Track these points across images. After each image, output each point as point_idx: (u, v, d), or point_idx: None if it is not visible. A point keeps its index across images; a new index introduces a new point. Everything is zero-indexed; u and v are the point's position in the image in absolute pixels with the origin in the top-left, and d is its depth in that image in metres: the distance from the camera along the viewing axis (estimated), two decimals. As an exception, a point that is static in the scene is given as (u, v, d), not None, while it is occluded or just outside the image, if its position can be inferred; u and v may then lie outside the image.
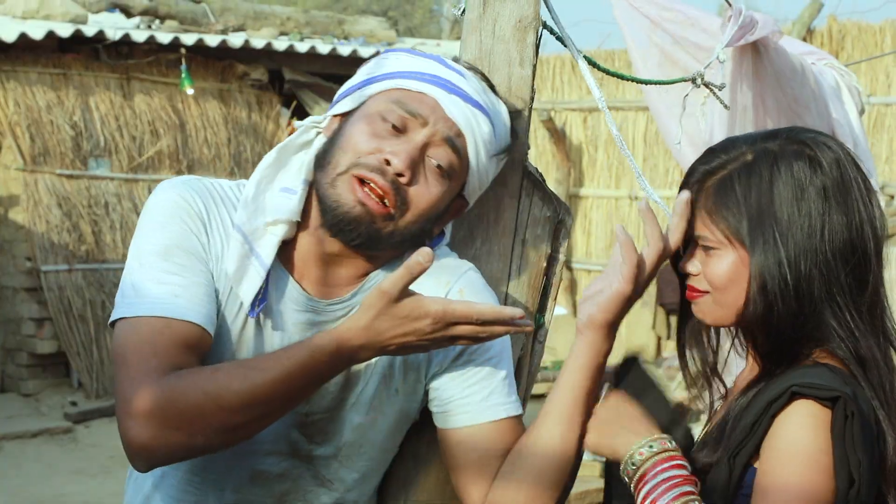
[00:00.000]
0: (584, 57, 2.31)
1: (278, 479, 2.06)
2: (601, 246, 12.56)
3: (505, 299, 2.16)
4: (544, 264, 2.17)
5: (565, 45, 2.25)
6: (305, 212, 2.01)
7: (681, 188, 1.99)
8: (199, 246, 1.95)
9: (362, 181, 1.93)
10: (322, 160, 2.00)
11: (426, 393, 2.07)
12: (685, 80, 2.79)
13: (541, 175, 2.18)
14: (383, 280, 1.79)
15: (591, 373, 1.93)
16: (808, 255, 1.86)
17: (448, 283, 2.03)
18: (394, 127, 1.95)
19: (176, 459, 1.92)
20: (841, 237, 1.87)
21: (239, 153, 12.06)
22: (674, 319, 11.34)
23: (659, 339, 11.63)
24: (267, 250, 1.97)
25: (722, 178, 1.92)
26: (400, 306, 1.78)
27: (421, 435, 2.16)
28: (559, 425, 1.95)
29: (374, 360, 1.98)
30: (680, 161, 3.59)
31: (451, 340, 1.83)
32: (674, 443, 1.87)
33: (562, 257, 2.19)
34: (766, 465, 1.82)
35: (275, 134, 12.30)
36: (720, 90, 2.80)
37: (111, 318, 1.93)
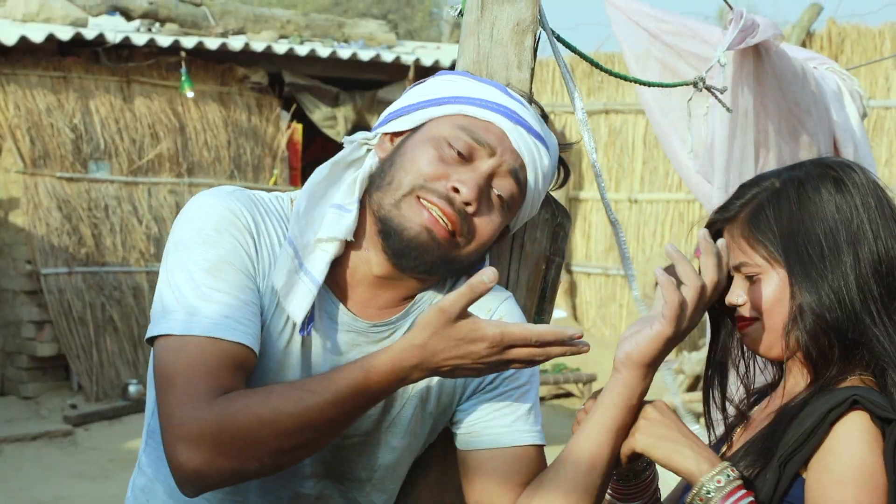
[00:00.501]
0: (589, 59, 2.32)
1: (316, 501, 2.04)
2: (601, 249, 12.57)
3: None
4: (543, 267, 2.17)
5: (570, 48, 2.25)
6: (357, 231, 1.97)
7: (709, 224, 2.06)
8: (249, 262, 1.90)
9: (427, 204, 1.91)
10: (380, 179, 1.97)
11: (452, 414, 2.06)
12: (687, 84, 2.79)
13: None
14: (443, 299, 1.76)
15: (624, 412, 1.92)
16: (841, 268, 1.92)
17: (490, 309, 2.01)
18: (460, 154, 1.93)
19: (227, 485, 1.88)
20: (870, 249, 1.93)
21: (239, 156, 12.07)
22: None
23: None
24: (319, 267, 1.93)
25: (754, 206, 2.00)
26: (457, 327, 1.74)
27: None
28: (587, 463, 1.92)
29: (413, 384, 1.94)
30: (676, 166, 3.60)
31: (506, 364, 1.78)
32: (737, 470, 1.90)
33: (560, 260, 2.19)
34: (821, 479, 1.83)
35: (275, 137, 12.30)
36: (722, 93, 2.80)
37: (152, 333, 1.86)
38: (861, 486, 1.80)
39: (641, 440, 1.93)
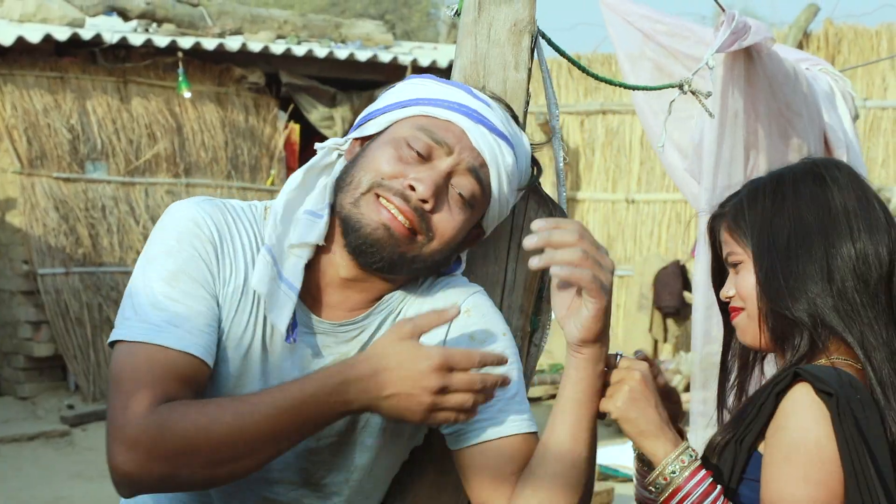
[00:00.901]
0: (575, 62, 2.32)
1: None
2: (598, 249, 12.56)
3: (501, 302, 2.17)
4: (540, 268, 2.18)
5: (557, 49, 2.26)
6: (327, 235, 2.00)
7: (711, 220, 2.19)
8: (207, 272, 1.93)
9: (385, 202, 1.93)
10: (342, 181, 2.00)
11: None
12: (672, 87, 2.80)
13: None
14: (405, 319, 1.83)
15: (590, 395, 1.95)
16: (811, 260, 1.99)
17: (457, 302, 2.01)
18: (419, 154, 1.95)
19: (159, 490, 1.91)
20: (846, 246, 2.00)
21: (236, 156, 12.07)
22: (671, 322, 11.36)
23: (655, 342, 11.63)
24: (295, 274, 1.96)
25: (737, 200, 2.11)
26: (403, 344, 1.78)
27: (417, 438, 2.16)
28: (569, 460, 1.94)
29: None
30: (667, 167, 3.60)
31: (441, 395, 1.79)
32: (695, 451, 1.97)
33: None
34: (772, 455, 1.89)
35: (272, 137, 12.30)
36: (706, 98, 2.80)
37: (110, 339, 1.91)
38: (809, 459, 1.85)
39: (616, 410, 1.96)
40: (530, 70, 2.15)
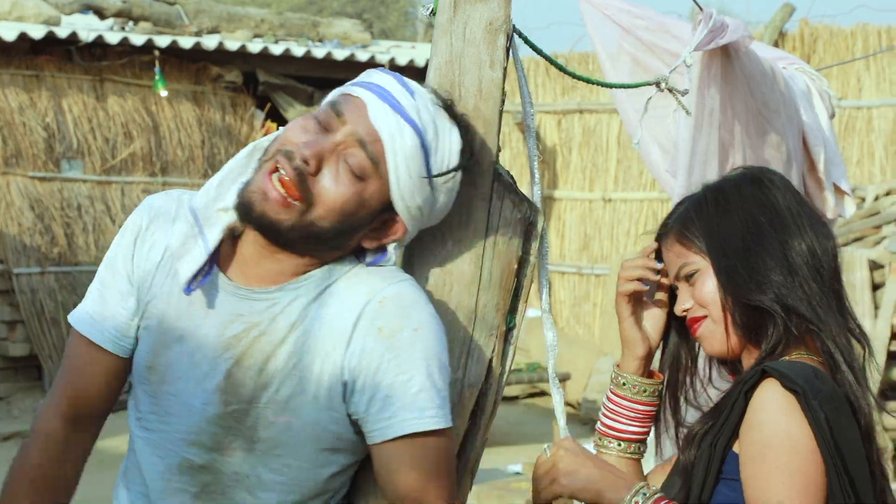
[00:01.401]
0: (551, 60, 2.33)
1: (201, 470, 2.06)
2: (574, 248, 12.59)
3: (476, 301, 2.16)
4: (515, 266, 2.17)
5: (534, 48, 2.26)
6: None
7: (656, 238, 2.20)
8: (122, 261, 2.13)
9: (275, 171, 1.98)
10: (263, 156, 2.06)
11: (352, 413, 2.03)
12: (649, 84, 2.81)
13: (512, 177, 2.19)
14: None
15: None
16: (767, 255, 2.03)
17: (374, 291, 2.01)
18: (320, 124, 1.99)
19: None
20: (799, 241, 2.05)
21: (213, 155, 12.04)
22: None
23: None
24: (214, 234, 2.02)
25: (682, 213, 2.15)
26: None
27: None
28: None
29: (290, 362, 1.99)
30: (648, 164, 3.61)
31: None
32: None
33: (533, 259, 2.20)
34: (748, 453, 1.92)
35: (249, 136, 12.28)
36: (683, 95, 2.82)
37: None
38: (783, 452, 1.88)
39: (565, 488, 2.07)
40: (506, 69, 2.15)
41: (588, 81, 2.53)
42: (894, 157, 11.00)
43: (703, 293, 2.08)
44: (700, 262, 2.08)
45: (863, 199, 9.61)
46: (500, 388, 2.24)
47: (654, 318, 2.23)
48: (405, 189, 2.00)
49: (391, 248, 2.07)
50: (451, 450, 2.05)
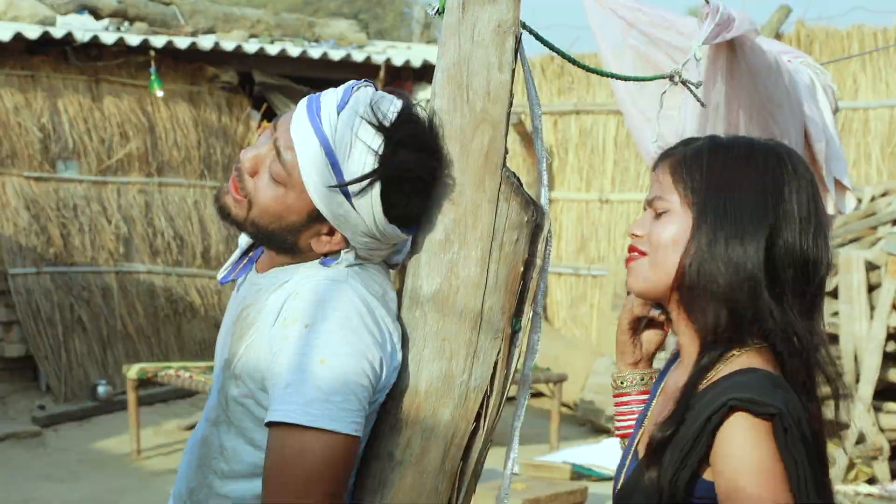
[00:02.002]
0: (565, 55, 2.32)
1: (202, 442, 2.20)
2: (571, 249, 12.59)
3: (482, 304, 2.16)
4: (521, 269, 2.17)
5: (547, 45, 2.25)
6: None
7: (655, 166, 2.06)
8: None
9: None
10: None
11: None
12: (663, 77, 2.80)
13: (519, 179, 2.19)
14: None
15: None
16: (753, 240, 1.90)
17: (298, 285, 2.09)
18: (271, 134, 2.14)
19: None
20: (792, 237, 1.91)
21: (209, 155, 12.02)
22: (644, 322, 11.38)
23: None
24: (244, 238, 2.28)
25: (695, 148, 2.00)
26: None
27: (396, 437, 2.16)
28: None
29: (246, 341, 2.10)
30: (648, 161, 3.60)
31: None
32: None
33: (539, 262, 2.20)
34: (724, 483, 1.84)
35: (245, 136, 12.26)
36: (697, 87, 2.80)
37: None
38: (762, 478, 1.80)
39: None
40: (514, 71, 2.14)
41: (601, 74, 2.52)
42: (890, 159, 11.01)
43: (661, 236, 1.98)
44: (677, 207, 1.97)
45: (859, 201, 9.61)
46: (504, 391, 2.24)
47: (651, 334, 2.26)
48: (317, 197, 2.07)
49: (344, 252, 2.13)
50: (317, 453, 2.00)
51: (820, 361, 1.94)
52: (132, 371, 8.90)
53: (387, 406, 2.16)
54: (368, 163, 2.05)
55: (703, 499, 1.91)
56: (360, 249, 2.13)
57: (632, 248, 2.04)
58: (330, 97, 2.09)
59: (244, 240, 2.28)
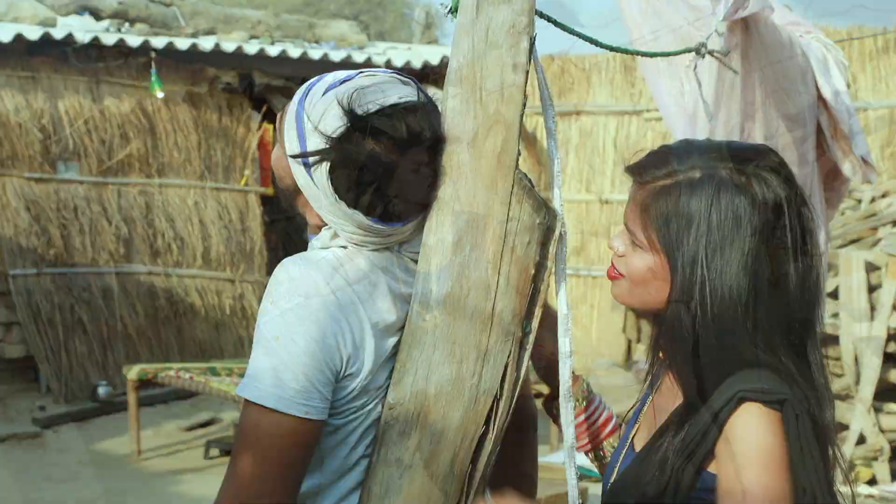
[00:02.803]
0: (586, 37, 2.31)
1: None
2: (571, 250, 12.60)
3: (493, 306, 2.16)
4: (533, 271, 2.17)
5: (568, 30, 2.25)
6: None
7: (629, 169, 2.08)
8: None
9: None
10: None
11: None
12: (689, 51, 2.78)
13: (531, 181, 2.18)
14: None
15: None
16: (729, 285, 1.92)
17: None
18: None
19: None
20: (766, 273, 1.93)
21: (209, 157, 12.02)
22: (644, 323, 11.39)
23: (629, 342, 11.67)
24: None
25: (666, 185, 2.00)
26: None
27: (405, 440, 2.16)
28: None
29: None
30: (664, 115, 3.56)
31: None
32: None
33: (550, 264, 2.19)
34: (727, 471, 1.87)
35: (245, 137, 12.26)
36: (725, 55, 2.79)
37: None
38: (771, 464, 1.83)
39: None
40: (527, 72, 2.14)
41: (626, 52, 2.51)
42: (891, 159, 11.02)
43: (632, 269, 2.04)
44: (646, 246, 2.01)
45: (859, 202, 9.62)
46: (515, 394, 2.23)
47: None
48: (306, 181, 2.11)
49: (325, 231, 2.18)
50: (259, 427, 2.02)
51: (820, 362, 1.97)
52: (132, 372, 8.90)
53: (395, 410, 2.16)
54: (321, 143, 2.09)
55: (705, 491, 1.92)
56: (341, 233, 2.14)
57: (612, 266, 2.09)
58: (332, 76, 2.15)
59: None
